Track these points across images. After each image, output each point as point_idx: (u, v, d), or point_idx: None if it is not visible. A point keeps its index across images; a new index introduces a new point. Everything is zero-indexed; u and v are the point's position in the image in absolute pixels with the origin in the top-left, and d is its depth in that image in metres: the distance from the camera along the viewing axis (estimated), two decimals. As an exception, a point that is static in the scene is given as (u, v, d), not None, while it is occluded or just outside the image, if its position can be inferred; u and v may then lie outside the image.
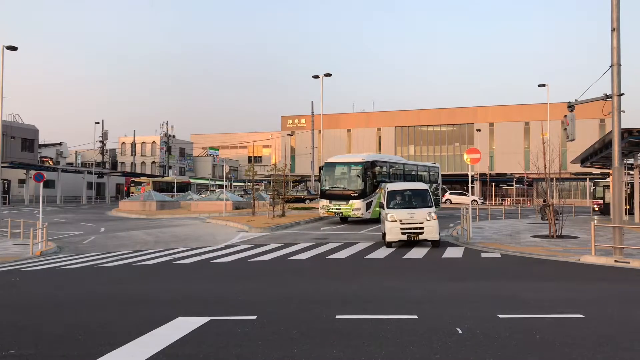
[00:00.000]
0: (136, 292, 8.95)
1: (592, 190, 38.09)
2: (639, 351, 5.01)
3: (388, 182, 22.53)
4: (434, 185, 29.79)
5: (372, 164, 23.84)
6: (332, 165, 24.59)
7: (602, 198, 32.08)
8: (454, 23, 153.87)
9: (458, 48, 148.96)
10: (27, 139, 55.51)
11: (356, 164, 23.61)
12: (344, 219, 24.51)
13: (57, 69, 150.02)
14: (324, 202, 23.60)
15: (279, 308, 7.03)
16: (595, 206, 33.43)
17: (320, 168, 25.59)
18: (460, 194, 54.36)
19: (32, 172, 32.00)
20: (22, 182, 55.43)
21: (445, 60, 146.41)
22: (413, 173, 28.53)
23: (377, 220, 21.25)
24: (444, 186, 60.91)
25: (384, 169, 25.45)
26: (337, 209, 23.12)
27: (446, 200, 54.09)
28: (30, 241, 15.51)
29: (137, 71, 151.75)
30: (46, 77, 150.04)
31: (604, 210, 30.60)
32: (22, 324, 6.49)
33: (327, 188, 23.89)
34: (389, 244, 14.38)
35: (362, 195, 22.73)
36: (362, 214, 22.50)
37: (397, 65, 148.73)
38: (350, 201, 22.60)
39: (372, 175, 23.39)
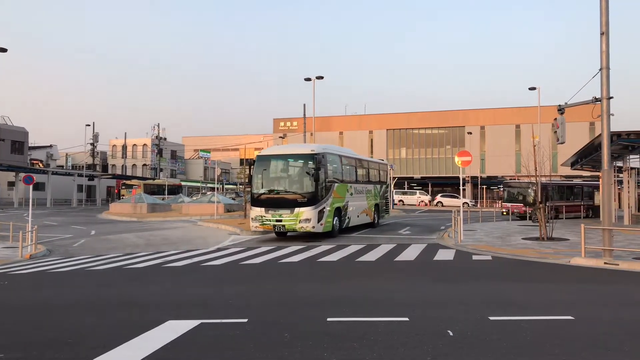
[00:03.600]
0: (127, 295, 8.89)
1: (502, 193, 35.09)
2: (629, 352, 5.05)
3: (340, 183, 18.97)
4: (383, 187, 25.06)
5: (324, 157, 17.76)
6: (269, 159, 18.27)
7: (523, 201, 30.55)
8: (445, 27, 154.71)
9: (449, 51, 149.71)
10: (16, 141, 55.06)
11: (305, 157, 17.57)
12: (282, 234, 18.93)
13: (48, 71, 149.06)
14: (258, 211, 17.36)
15: (270, 311, 7.02)
16: (504, 210, 31.03)
17: (251, 164, 18.51)
18: (451, 196, 54.66)
19: (22, 175, 31.78)
20: (11, 184, 55.02)
21: (437, 64, 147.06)
22: (364, 171, 22.88)
23: (329, 235, 17.98)
24: (437, 189, 61.85)
25: (338, 165, 19.50)
26: (276, 220, 17.08)
27: (437, 202, 54.42)
28: (20, 244, 15.36)
29: (128, 74, 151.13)
30: (36, 79, 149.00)
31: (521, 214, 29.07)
32: (11, 328, 6.43)
33: (261, 192, 17.63)
34: None
35: (312, 200, 16.83)
36: (314, 227, 16.83)
37: (389, 68, 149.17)
38: (297, 209, 16.75)
39: (325, 172, 17.57)
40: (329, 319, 6.29)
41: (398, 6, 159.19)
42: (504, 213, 30.31)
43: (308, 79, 35.68)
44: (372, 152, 64.94)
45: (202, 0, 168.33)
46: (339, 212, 18.76)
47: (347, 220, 19.58)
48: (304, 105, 46.31)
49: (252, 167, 18.25)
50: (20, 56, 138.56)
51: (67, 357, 5.07)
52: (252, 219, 17.81)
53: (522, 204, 30.44)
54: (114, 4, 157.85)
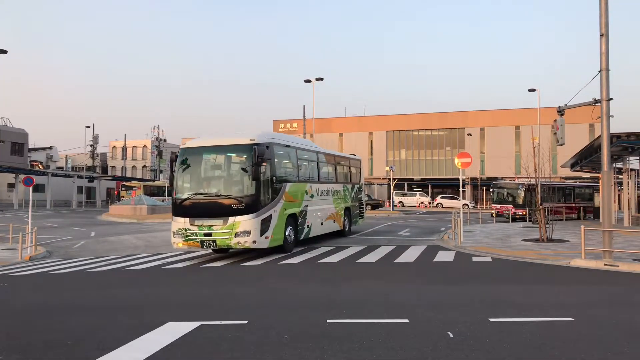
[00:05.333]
0: (126, 296, 8.89)
1: (491, 194, 34.80)
2: (629, 354, 5.05)
3: (295, 182, 15.07)
4: (356, 187, 21.17)
5: (269, 148, 13.45)
6: (196, 152, 13.78)
7: (513, 202, 30.45)
8: (444, 28, 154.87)
9: (449, 53, 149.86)
10: (16, 143, 55.10)
11: (242, 148, 13.38)
12: (221, 250, 14.77)
13: (47, 72, 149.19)
14: (180, 222, 13.13)
15: (270, 312, 7.01)
16: (493, 211, 30.57)
17: (173, 160, 14.40)
18: (451, 198, 54.67)
19: (22, 176, 31.74)
20: (11, 186, 55.05)
21: (436, 65, 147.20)
22: (330, 167, 18.89)
23: (281, 250, 14.20)
24: (437, 190, 61.93)
25: (291, 159, 15.44)
26: (204, 235, 12.79)
27: (437, 204, 54.43)
28: (19, 246, 15.36)
29: (128, 75, 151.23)
30: (36, 80, 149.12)
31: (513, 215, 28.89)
32: (10, 329, 6.43)
33: (185, 196, 13.30)
34: None
35: (252, 205, 12.71)
36: (255, 241, 12.67)
37: (388, 69, 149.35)
38: (232, 218, 12.60)
39: (272, 169, 13.49)
40: (329, 321, 6.29)
41: (398, 7, 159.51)
42: (493, 214, 30.08)
43: (308, 81, 35.72)
44: (371, 153, 65.05)
45: (202, 0, 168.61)
46: (294, 220, 14.80)
47: (306, 230, 15.72)
48: (304, 106, 46.41)
49: (174, 163, 13.94)
50: (20, 57, 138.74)
51: (67, 359, 5.07)
52: (172, 232, 13.31)
53: (511, 205, 30.42)
54: (114, 4, 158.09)
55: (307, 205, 15.69)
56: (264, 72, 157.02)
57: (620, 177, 27.92)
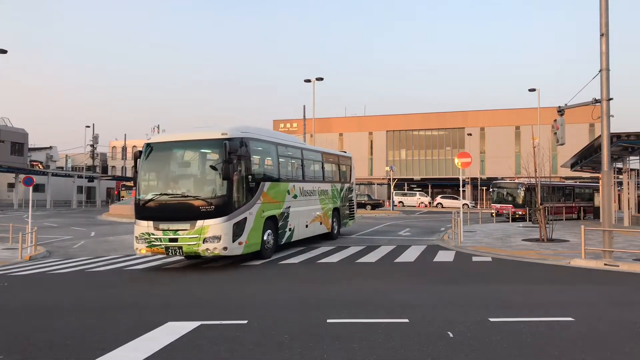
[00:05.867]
0: (126, 296, 8.89)
1: (491, 193, 34.80)
2: (629, 354, 5.05)
3: (275, 182, 13.71)
4: (346, 186, 19.73)
5: (244, 144, 12.14)
6: (161, 148, 12.57)
7: (512, 202, 30.52)
8: (444, 28, 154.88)
9: (448, 52, 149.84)
10: (16, 143, 55.09)
11: (212, 144, 12.08)
12: (195, 257, 12.87)
13: (47, 72, 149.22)
14: (143, 226, 11.83)
15: (269, 312, 7.01)
16: (493, 211, 30.67)
17: (137, 157, 12.65)
18: (451, 198, 54.70)
19: (22, 176, 31.75)
20: (11, 186, 55.05)
21: (436, 65, 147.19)
22: (316, 165, 17.69)
23: (258, 256, 12.89)
24: (437, 190, 61.96)
25: (271, 156, 14.08)
26: (170, 240, 11.48)
27: (437, 204, 54.45)
28: (19, 245, 15.36)
29: (128, 75, 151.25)
30: (36, 80, 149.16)
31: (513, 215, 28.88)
32: (10, 329, 6.43)
33: (148, 197, 11.98)
34: None
35: (224, 207, 11.43)
36: (226, 247, 11.39)
37: (387, 69, 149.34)
38: (199, 222, 11.32)
39: (247, 166, 12.15)
40: (328, 320, 6.29)
41: (398, 6, 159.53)
42: (493, 214, 30.06)
43: (308, 81, 35.73)
44: (372, 153, 65.08)
45: (202, 0, 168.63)
46: (274, 223, 13.48)
47: (288, 233, 14.37)
48: (304, 106, 46.43)
49: (137, 160, 12.50)
50: (20, 57, 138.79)
51: (67, 358, 5.07)
52: (135, 237, 12.00)
53: (511, 205, 30.47)
54: (114, 4, 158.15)
55: (289, 207, 14.40)
56: (264, 72, 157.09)
57: (620, 177, 27.93)
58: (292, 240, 14.90)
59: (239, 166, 11.76)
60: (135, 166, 12.57)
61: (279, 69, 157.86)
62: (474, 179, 56.44)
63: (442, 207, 53.03)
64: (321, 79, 35.90)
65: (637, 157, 24.54)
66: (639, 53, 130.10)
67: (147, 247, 11.81)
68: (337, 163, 19.43)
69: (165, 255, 12.60)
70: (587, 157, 25.12)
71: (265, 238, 12.95)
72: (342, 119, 68.47)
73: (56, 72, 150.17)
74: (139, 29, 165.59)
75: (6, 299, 9.09)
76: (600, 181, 25.07)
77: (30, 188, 18.21)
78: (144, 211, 11.98)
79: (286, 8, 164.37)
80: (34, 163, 63.38)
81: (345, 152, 21.65)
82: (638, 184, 26.86)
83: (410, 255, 13.64)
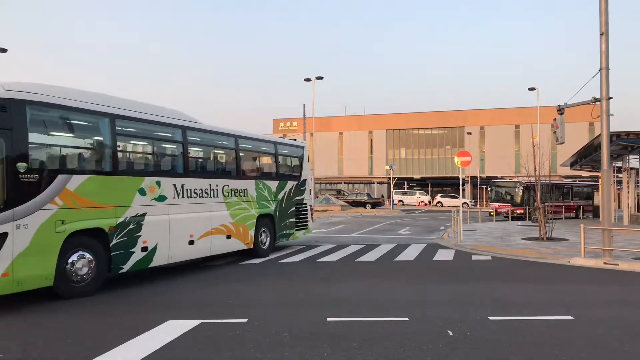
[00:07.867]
0: (125, 295, 8.89)
1: (489, 192, 34.43)
2: (628, 352, 5.06)
3: (104, 174, 8.94)
4: (290, 185, 14.66)
5: (17, 110, 7.51)
6: None
7: (510, 201, 30.50)
8: (443, 26, 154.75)
9: (448, 51, 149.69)
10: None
11: None
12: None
13: (47, 72, 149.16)
14: None
15: (269, 311, 7.02)
16: (491, 210, 30.43)
17: None
18: (451, 196, 54.72)
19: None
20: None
21: (436, 64, 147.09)
22: (223, 154, 12.95)
23: (51, 294, 8.10)
24: (437, 189, 62.02)
25: (91, 132, 9.22)
26: None
27: (437, 203, 54.46)
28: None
29: (128, 75, 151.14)
30: (35, 80, 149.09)
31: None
32: (10, 328, 6.43)
33: None
34: None
35: None
36: None
37: (387, 68, 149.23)
38: None
39: (15, 145, 7.40)
40: (328, 319, 6.30)
41: (397, 6, 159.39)
42: (491, 213, 29.94)
43: (308, 79, 35.69)
44: (371, 152, 65.09)
45: (202, 0, 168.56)
46: (102, 242, 8.76)
47: (141, 256, 9.60)
48: (304, 105, 46.45)
49: None
50: (20, 57, 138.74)
51: (67, 357, 5.07)
52: None
53: (509, 204, 30.47)
54: (114, 4, 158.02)
55: (143, 214, 9.56)
56: (264, 71, 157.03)
57: (620, 175, 27.94)
58: (152, 265, 9.97)
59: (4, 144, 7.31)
60: None
61: (279, 68, 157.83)
62: (473, 178, 56.41)
63: (442, 205, 53.07)
64: (321, 77, 35.87)
65: (637, 156, 24.52)
66: (639, 53, 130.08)
67: None
68: (273, 154, 14.30)
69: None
70: (587, 156, 25.13)
71: (69, 266, 8.09)
72: (342, 117, 68.47)
73: (56, 72, 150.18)
74: (139, 29, 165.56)
75: (5, 296, 9.07)
76: (599, 180, 25.06)
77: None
78: None
79: (286, 8, 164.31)
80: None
81: (294, 139, 17.72)
82: (637, 183, 26.86)
83: (410, 253, 13.64)
